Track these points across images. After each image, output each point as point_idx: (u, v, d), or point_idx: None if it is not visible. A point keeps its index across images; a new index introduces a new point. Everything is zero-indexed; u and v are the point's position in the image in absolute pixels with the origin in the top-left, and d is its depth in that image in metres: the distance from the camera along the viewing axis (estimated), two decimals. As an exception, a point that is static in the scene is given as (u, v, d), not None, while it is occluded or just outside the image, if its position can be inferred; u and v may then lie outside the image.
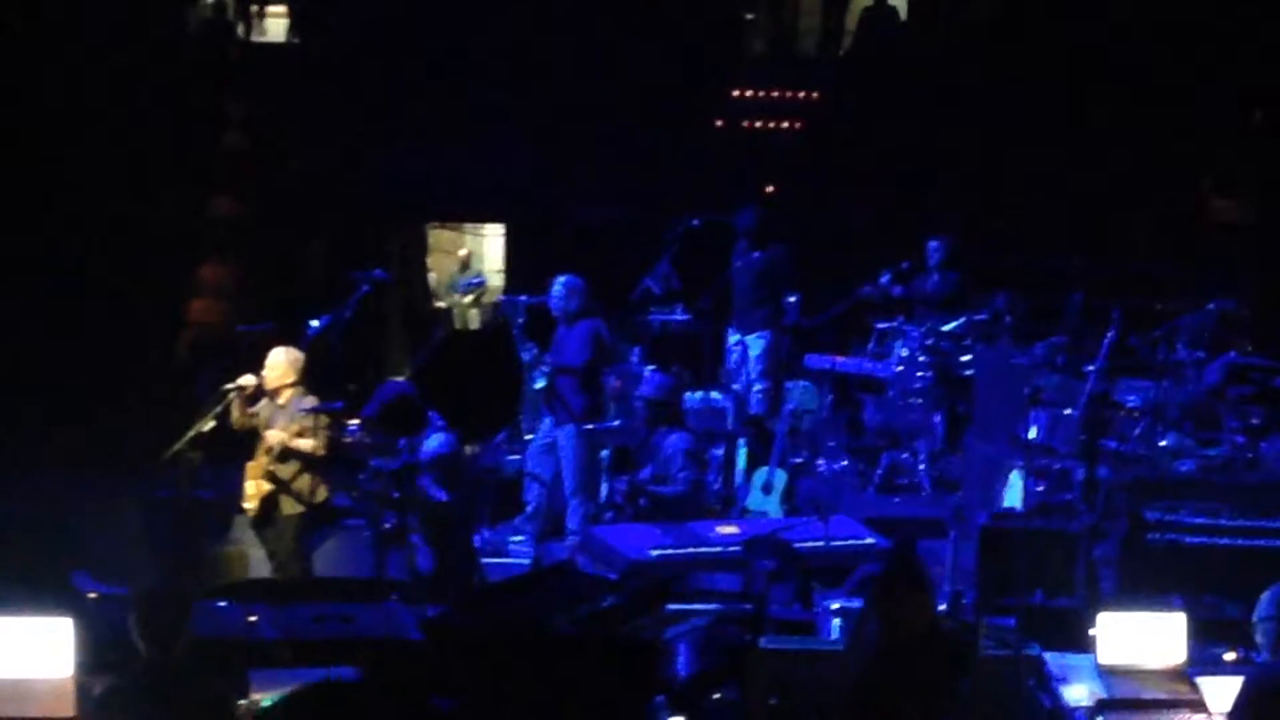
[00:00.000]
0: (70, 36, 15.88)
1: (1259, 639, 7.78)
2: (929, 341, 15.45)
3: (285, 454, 11.88)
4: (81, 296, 15.12)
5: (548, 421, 13.95)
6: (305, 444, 11.86)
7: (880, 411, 15.51)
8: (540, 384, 14.14)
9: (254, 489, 11.97)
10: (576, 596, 9.77)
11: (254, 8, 20.63)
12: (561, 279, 13.94)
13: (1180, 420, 13.48)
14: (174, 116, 16.81)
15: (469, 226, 21.46)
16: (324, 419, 11.93)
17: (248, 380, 11.95)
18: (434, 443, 12.60)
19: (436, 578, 11.86)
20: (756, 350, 15.77)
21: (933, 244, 16.37)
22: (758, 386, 15.67)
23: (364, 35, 19.43)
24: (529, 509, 13.92)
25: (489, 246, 21.49)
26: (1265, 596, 7.78)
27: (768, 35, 21.64)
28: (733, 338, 15.94)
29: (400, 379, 14.48)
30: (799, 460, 14.69)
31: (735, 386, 15.57)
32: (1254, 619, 7.82)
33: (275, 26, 20.84)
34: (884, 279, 15.86)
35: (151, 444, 12.06)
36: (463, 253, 21.96)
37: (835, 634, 10.07)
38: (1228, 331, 14.64)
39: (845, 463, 15.20)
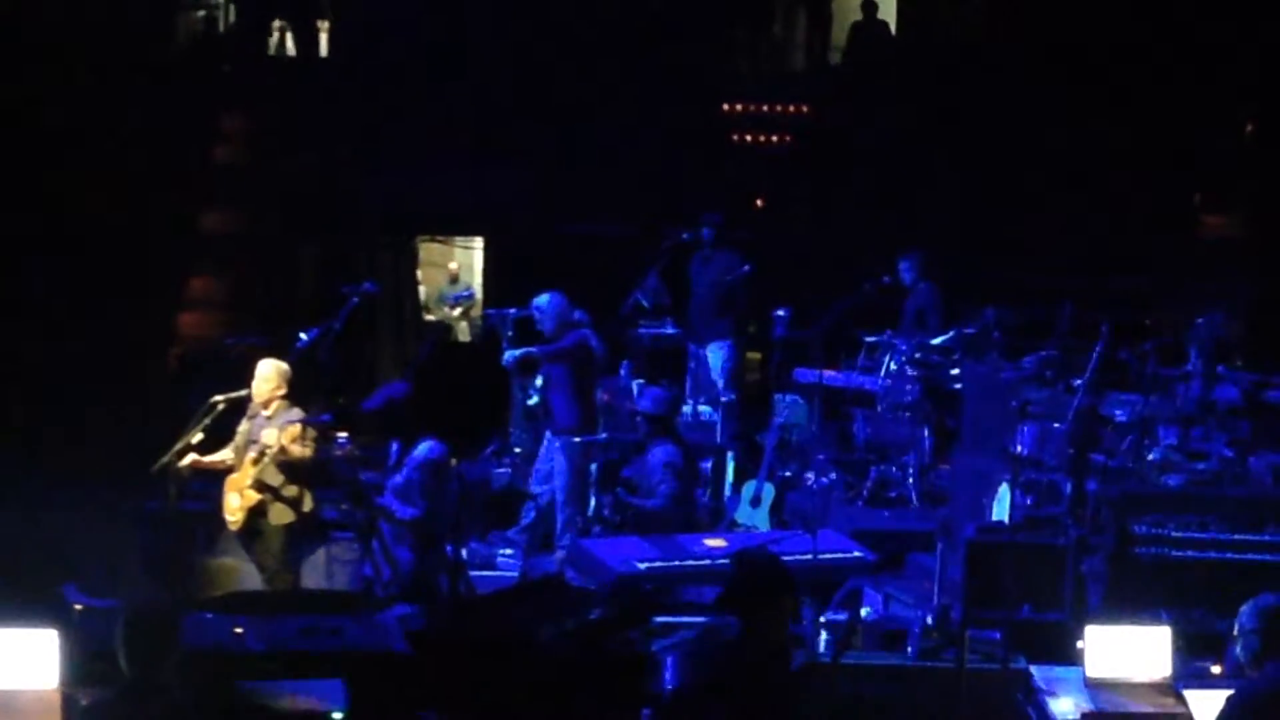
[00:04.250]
0: (61, 50, 15.88)
1: (1240, 652, 7.76)
2: (917, 355, 15.47)
3: (278, 462, 11.87)
4: (72, 308, 15.11)
5: (549, 441, 13.92)
6: (306, 450, 11.87)
7: (869, 425, 15.52)
8: (534, 400, 14.13)
9: (239, 501, 11.95)
10: (563, 609, 9.77)
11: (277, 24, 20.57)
12: (539, 301, 13.84)
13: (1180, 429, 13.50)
14: (166, 129, 16.81)
15: (459, 240, 21.47)
16: (311, 431, 11.93)
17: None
18: (424, 449, 12.63)
19: (412, 581, 11.90)
20: (717, 362, 15.74)
21: (903, 264, 16.38)
22: (725, 399, 15.65)
23: (358, 49, 19.47)
24: (524, 521, 13.90)
25: (478, 260, 21.50)
26: (1246, 609, 7.76)
27: (757, 50, 21.67)
28: (696, 351, 15.96)
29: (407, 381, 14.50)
30: (787, 473, 14.70)
31: (690, 401, 15.60)
32: (1235, 632, 7.80)
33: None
34: (867, 286, 15.85)
35: (141, 456, 12.06)
36: (453, 266, 21.98)
37: (822, 647, 10.09)
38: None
39: (834, 476, 15.18)
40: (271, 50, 20.52)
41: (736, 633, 7.84)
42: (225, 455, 12.12)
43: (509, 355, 14.03)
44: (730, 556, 11.51)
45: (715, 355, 15.78)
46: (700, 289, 15.91)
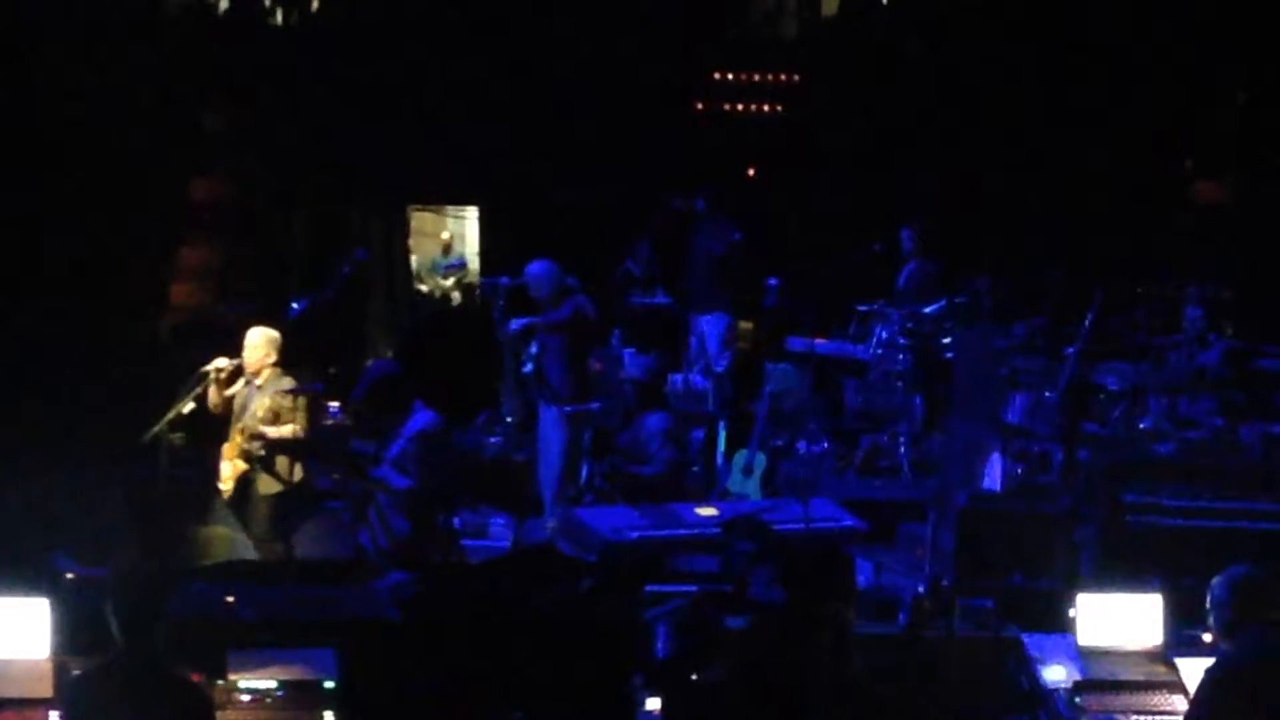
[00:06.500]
0: (53, 21, 15.83)
1: (1212, 624, 7.74)
2: (909, 324, 15.45)
3: (259, 435, 11.88)
4: (63, 278, 15.08)
5: (543, 410, 13.89)
6: (284, 430, 11.86)
7: (860, 394, 15.50)
8: (529, 368, 14.11)
9: (230, 469, 11.97)
10: (555, 578, 9.78)
11: None
12: (531, 269, 13.73)
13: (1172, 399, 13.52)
14: (157, 99, 16.75)
15: (450, 209, 21.44)
16: (302, 400, 11.92)
17: (223, 363, 11.95)
18: (420, 420, 12.63)
19: (408, 550, 11.90)
20: (713, 333, 15.76)
21: (905, 232, 16.39)
22: (717, 368, 15.66)
23: (349, 17, 19.42)
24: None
25: (470, 229, 21.48)
26: (1216, 581, 7.72)
27: (749, 17, 21.60)
28: (695, 320, 15.98)
29: (386, 359, 14.42)
30: (779, 443, 14.69)
31: (694, 369, 15.61)
32: (1207, 605, 7.77)
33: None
34: (859, 255, 15.84)
35: (132, 426, 12.06)
36: (445, 235, 21.95)
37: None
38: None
39: (825, 445, 15.19)
40: (262, 19, 20.44)
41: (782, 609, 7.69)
42: (238, 391, 12.11)
43: (514, 323, 13.87)
44: (721, 524, 11.56)
45: (712, 326, 15.77)
46: (698, 261, 15.89)
